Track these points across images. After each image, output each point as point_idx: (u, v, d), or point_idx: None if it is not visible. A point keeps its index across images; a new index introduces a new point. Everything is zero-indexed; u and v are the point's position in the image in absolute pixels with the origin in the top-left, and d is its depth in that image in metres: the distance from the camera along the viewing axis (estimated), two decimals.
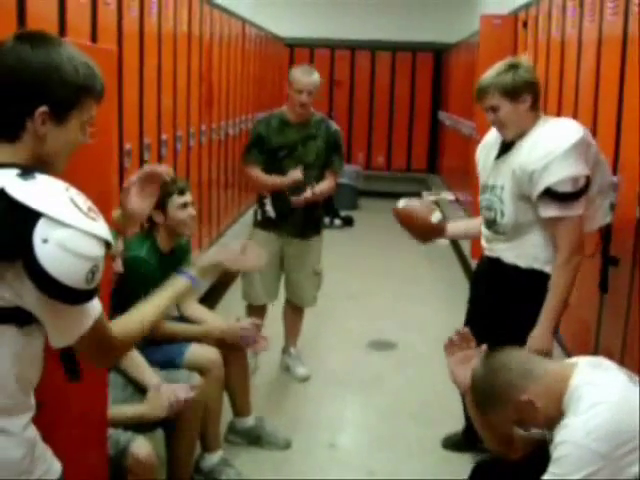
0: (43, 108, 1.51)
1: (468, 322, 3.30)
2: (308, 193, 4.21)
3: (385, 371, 4.80)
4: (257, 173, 4.35)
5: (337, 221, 9.36)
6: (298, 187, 4.22)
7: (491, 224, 3.13)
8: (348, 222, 9.42)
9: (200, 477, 3.37)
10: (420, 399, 4.34)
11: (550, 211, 2.86)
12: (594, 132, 3.88)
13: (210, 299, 5.06)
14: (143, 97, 4.44)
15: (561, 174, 2.78)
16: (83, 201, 1.46)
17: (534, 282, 3.01)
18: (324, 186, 4.34)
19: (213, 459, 3.40)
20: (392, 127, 11.54)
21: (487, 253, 3.26)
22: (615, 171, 3.50)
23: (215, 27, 6.44)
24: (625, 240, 3.29)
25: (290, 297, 4.66)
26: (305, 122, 4.32)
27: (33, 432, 1.61)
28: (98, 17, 3.63)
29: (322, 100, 11.42)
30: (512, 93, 2.89)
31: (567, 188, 2.80)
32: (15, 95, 1.51)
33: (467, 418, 3.70)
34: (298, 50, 11.24)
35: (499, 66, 2.96)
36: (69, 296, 1.43)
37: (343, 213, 9.47)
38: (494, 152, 3.12)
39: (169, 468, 3.15)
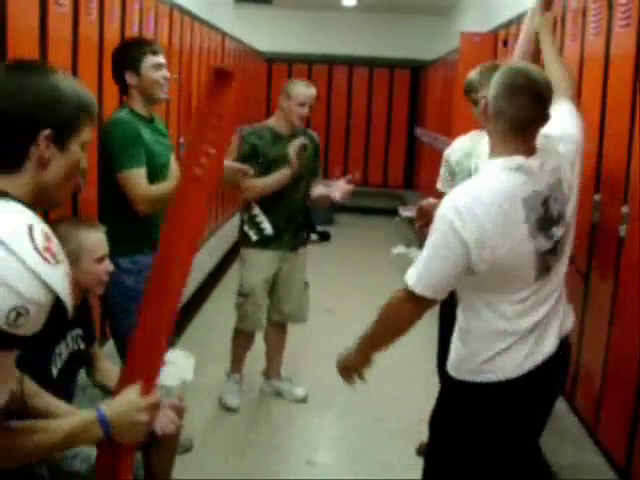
0: (47, 131, 1.46)
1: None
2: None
3: (362, 387, 4.75)
4: (253, 182, 3.98)
5: (314, 236, 9.32)
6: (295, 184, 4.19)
7: None
8: (325, 237, 9.41)
9: None
10: (399, 415, 4.31)
11: None
12: None
13: None
14: None
15: None
16: (43, 239, 1.32)
17: None
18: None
19: None
20: (369, 142, 11.58)
21: None
22: (597, 189, 3.52)
23: (195, 39, 6.42)
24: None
25: (280, 317, 4.44)
26: (294, 134, 4.21)
27: None
28: (79, 28, 3.60)
29: None
30: None
31: None
32: (19, 120, 1.45)
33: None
34: (276, 65, 11.25)
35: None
36: None
37: (320, 228, 9.45)
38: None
39: None
